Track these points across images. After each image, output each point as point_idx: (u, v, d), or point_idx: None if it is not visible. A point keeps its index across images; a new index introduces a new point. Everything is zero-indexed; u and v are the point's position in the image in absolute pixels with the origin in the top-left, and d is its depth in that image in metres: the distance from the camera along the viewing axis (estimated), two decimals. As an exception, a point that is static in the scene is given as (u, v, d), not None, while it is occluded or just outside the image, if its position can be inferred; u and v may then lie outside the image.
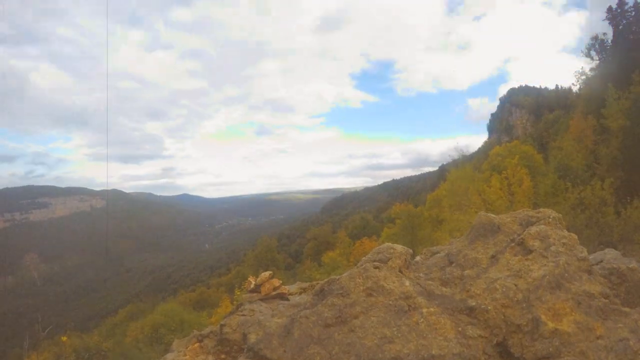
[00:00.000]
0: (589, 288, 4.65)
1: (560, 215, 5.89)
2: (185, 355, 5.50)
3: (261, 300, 6.07)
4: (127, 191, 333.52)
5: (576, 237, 5.31)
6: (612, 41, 50.90)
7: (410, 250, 5.89)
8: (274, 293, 6.20)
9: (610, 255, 5.98)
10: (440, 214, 40.06)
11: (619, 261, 5.53)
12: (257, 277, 6.43)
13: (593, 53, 53.80)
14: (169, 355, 5.66)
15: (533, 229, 5.41)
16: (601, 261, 5.69)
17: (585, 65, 54.93)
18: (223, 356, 5.32)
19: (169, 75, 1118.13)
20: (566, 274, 4.71)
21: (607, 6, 49.61)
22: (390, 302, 4.74)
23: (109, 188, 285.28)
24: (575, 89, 68.23)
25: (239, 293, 24.47)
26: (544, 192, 27.15)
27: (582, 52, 55.13)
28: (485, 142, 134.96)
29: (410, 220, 41.84)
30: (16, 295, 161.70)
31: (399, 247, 5.72)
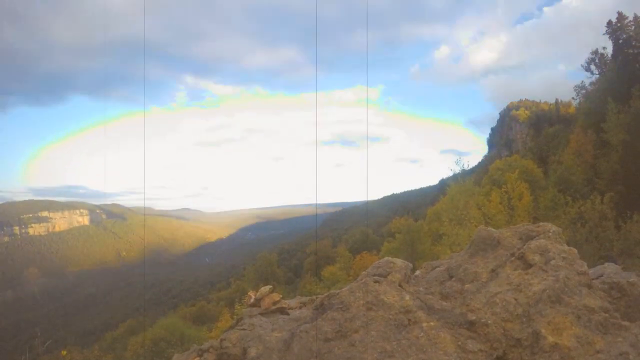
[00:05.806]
0: (589, 302, 4.66)
1: (560, 229, 5.91)
2: (185, 369, 5.49)
3: (261, 314, 6.07)
4: (127, 205, 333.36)
5: (576, 251, 5.33)
6: (612, 55, 51.21)
7: (410, 265, 5.92)
8: (274, 307, 6.20)
9: (610, 269, 6.00)
10: (440, 228, 39.95)
11: (619, 275, 5.55)
12: (257, 291, 6.43)
13: (593, 67, 54.22)
14: (169, 370, 5.65)
15: (533, 243, 5.43)
16: (601, 275, 5.70)
17: (585, 79, 55.41)
18: (223, 370, 5.30)
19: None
20: (566, 288, 4.72)
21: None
22: (390, 316, 4.75)
23: (109, 202, 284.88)
24: (575, 103, 68.68)
25: (239, 307, 24.38)
26: (543, 206, 27.16)
27: (582, 66, 55.59)
28: (486, 157, 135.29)
29: (410, 234, 41.74)
30: (16, 309, 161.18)
31: (398, 262, 5.75)
